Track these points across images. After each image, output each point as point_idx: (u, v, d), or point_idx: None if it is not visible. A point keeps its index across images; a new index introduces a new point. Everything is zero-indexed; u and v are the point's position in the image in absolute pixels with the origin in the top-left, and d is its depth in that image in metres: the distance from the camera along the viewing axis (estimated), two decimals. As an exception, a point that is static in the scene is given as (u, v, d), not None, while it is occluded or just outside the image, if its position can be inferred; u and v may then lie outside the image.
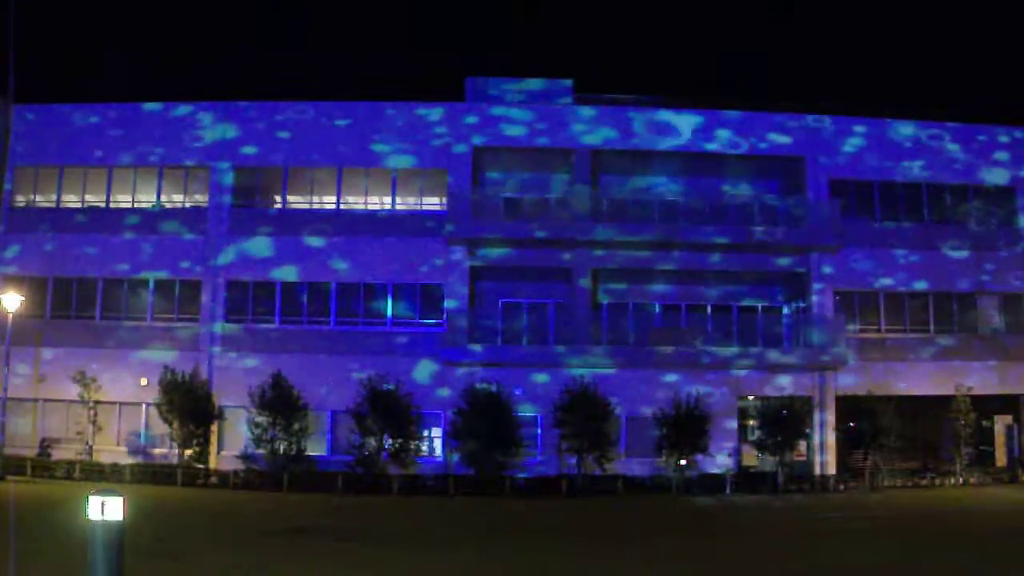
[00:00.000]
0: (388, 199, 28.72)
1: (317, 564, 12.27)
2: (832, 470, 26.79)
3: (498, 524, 18.41)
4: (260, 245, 27.91)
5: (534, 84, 29.51)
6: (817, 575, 12.13)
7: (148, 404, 26.50)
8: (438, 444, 26.81)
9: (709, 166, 29.05)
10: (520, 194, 28.58)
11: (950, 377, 27.24)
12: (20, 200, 29.22)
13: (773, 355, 26.91)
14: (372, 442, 25.09)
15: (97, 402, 26.25)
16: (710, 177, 29.30)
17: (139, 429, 27.01)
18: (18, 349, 25.51)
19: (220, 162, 28.33)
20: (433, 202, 28.95)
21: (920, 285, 28.50)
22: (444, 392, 26.18)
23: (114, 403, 26.83)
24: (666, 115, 28.86)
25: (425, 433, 26.49)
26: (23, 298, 25.45)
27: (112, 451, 26.28)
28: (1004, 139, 29.60)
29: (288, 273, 27.77)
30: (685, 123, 28.66)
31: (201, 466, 25.41)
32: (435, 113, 28.56)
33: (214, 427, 26.06)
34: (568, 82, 29.56)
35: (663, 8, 68.74)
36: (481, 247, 27.73)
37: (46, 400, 27.20)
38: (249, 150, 28.40)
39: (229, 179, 28.37)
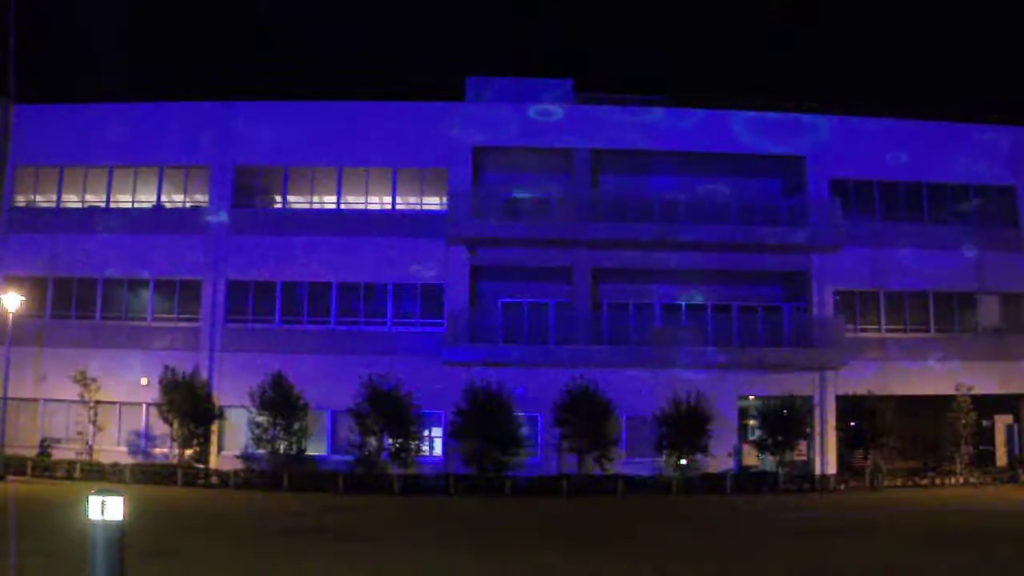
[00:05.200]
0: (388, 199, 28.73)
1: (317, 564, 12.27)
2: (832, 470, 26.82)
3: (498, 524, 18.41)
4: (260, 245, 27.91)
5: (534, 84, 29.50)
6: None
7: (148, 404, 26.53)
8: (438, 444, 26.82)
9: (709, 166, 29.04)
10: (520, 194, 28.57)
11: (950, 377, 27.23)
12: (20, 200, 29.23)
13: (773, 355, 26.90)
14: (372, 442, 25.12)
15: (97, 402, 26.26)
16: (710, 177, 29.28)
17: (139, 429, 27.02)
18: (18, 349, 25.51)
19: (220, 162, 28.33)
20: (433, 202, 28.94)
21: (920, 285, 28.49)
22: (444, 392, 26.12)
23: (114, 403, 26.84)
24: (666, 115, 28.87)
25: (425, 433, 26.49)
26: (23, 298, 25.49)
27: (112, 451, 26.30)
28: (1004, 139, 29.60)
29: (288, 273, 27.76)
30: (685, 123, 28.65)
31: (201, 466, 25.42)
32: (435, 113, 28.53)
33: (214, 427, 26.08)
34: (568, 82, 29.57)
35: (664, 7, 68.75)
36: (481, 247, 27.73)
37: (46, 400, 27.22)
38: (249, 150, 28.37)
39: (229, 179, 28.37)
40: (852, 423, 26.90)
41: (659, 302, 28.80)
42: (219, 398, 26.43)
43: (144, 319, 28.06)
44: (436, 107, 28.68)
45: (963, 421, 26.60)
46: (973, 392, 26.95)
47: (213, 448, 26.24)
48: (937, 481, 26.10)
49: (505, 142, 28.42)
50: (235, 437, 26.60)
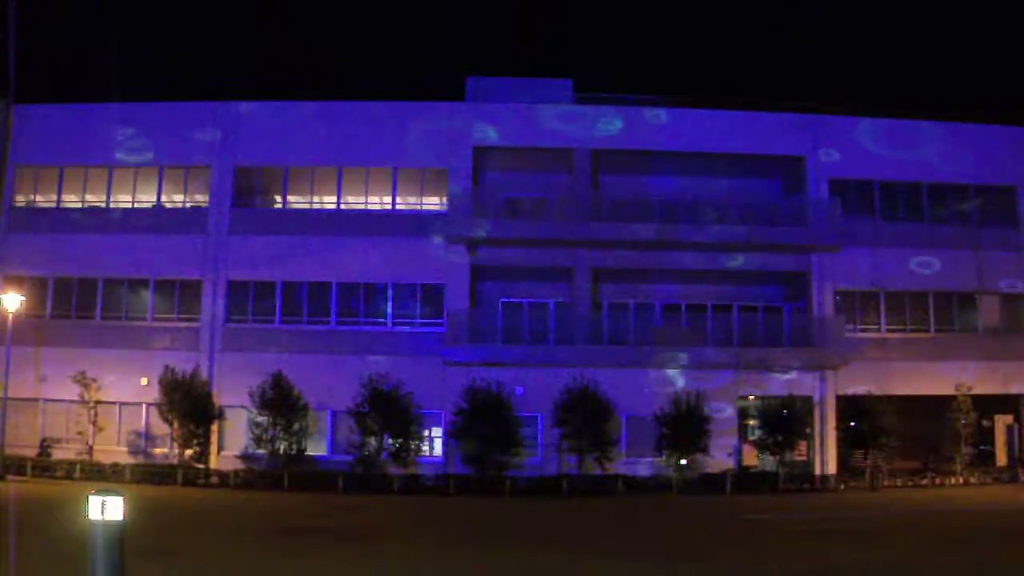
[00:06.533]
0: (388, 199, 28.73)
1: (318, 564, 12.27)
2: (832, 470, 26.82)
3: (498, 524, 18.41)
4: (260, 245, 27.90)
5: (534, 84, 29.49)
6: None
7: (148, 404, 26.53)
8: (438, 444, 26.82)
9: (709, 166, 29.03)
10: (520, 194, 28.57)
11: (950, 377, 27.23)
12: (20, 200, 29.23)
13: (773, 355, 26.90)
14: (372, 442, 25.13)
15: (97, 402, 26.26)
16: (710, 177, 29.28)
17: (139, 429, 27.02)
18: (18, 349, 25.50)
19: (220, 162, 28.33)
20: (433, 202, 28.94)
21: (920, 285, 28.50)
22: (444, 392, 26.13)
23: (114, 403, 26.84)
24: (666, 115, 28.86)
25: (425, 433, 26.50)
26: (23, 298, 25.48)
27: (112, 451, 26.29)
28: (1004, 139, 29.58)
29: (288, 273, 27.76)
30: (685, 123, 28.65)
31: (201, 466, 25.41)
32: (435, 113, 28.54)
33: (214, 427, 26.07)
34: (568, 82, 29.57)
35: (663, 8, 68.75)
36: (481, 247, 27.73)
37: (46, 400, 27.22)
38: (249, 150, 28.37)
39: (229, 179, 28.37)
40: (852, 423, 26.90)
41: (659, 302, 28.80)
42: (219, 398, 26.42)
43: (144, 319, 28.05)
44: (436, 107, 28.69)
45: (963, 421, 26.61)
46: (973, 392, 26.95)
47: (213, 448, 26.22)
48: (937, 481, 26.09)
49: (505, 142, 28.42)
50: (235, 437, 26.60)
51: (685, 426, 25.14)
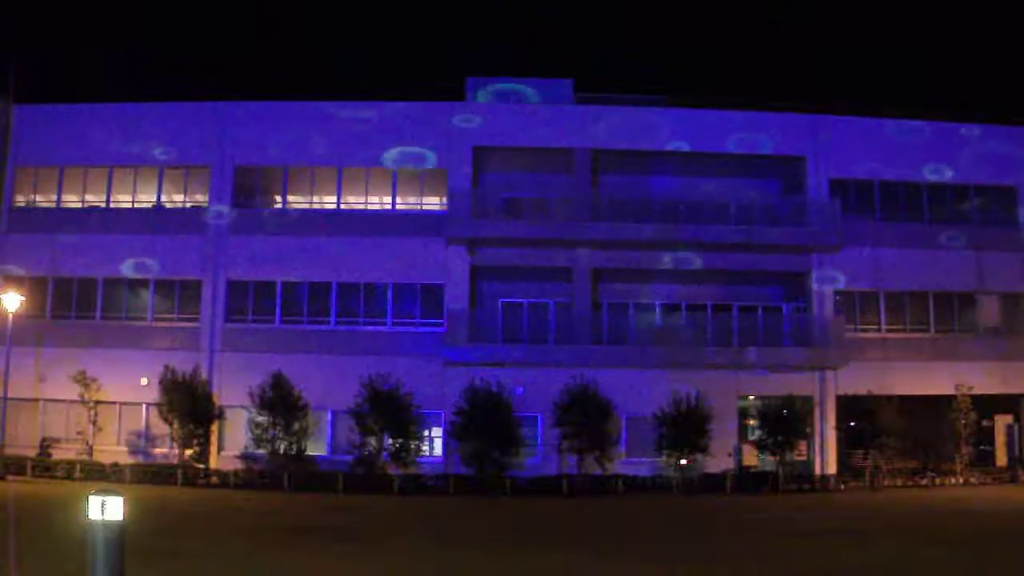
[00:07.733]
0: (388, 199, 28.72)
1: (317, 563, 12.27)
2: (832, 470, 26.83)
3: (497, 524, 18.41)
4: (260, 245, 27.90)
5: (534, 84, 29.53)
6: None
7: (148, 404, 26.53)
8: (438, 444, 26.82)
9: (709, 166, 29.03)
10: (520, 194, 28.56)
11: (950, 377, 27.22)
12: (20, 200, 29.23)
13: (773, 355, 26.89)
14: (372, 442, 25.13)
15: (97, 402, 26.26)
16: (710, 177, 29.26)
17: (139, 429, 27.02)
18: (18, 349, 25.48)
19: (220, 162, 28.33)
20: (433, 202, 28.94)
21: (920, 285, 28.49)
22: (444, 392, 26.12)
23: (114, 403, 26.84)
24: (666, 115, 28.86)
25: (425, 433, 26.50)
26: (23, 298, 25.47)
27: (112, 451, 26.29)
28: (1004, 139, 29.58)
29: (288, 273, 27.76)
30: (685, 123, 28.64)
31: (201, 466, 25.43)
32: (435, 113, 28.53)
33: (214, 427, 26.07)
34: (568, 82, 29.58)
35: (663, 8, 68.71)
36: (481, 247, 27.73)
37: (46, 400, 27.21)
38: (249, 150, 28.37)
39: (229, 179, 28.37)
40: (852, 423, 26.90)
41: (659, 302, 28.79)
42: (219, 398, 26.42)
43: (144, 319, 28.06)
44: (436, 107, 28.67)
45: (963, 421, 26.62)
46: (973, 392, 26.95)
47: (213, 448, 26.23)
48: (937, 481, 26.08)
49: (505, 142, 28.41)
50: (235, 437, 26.60)
51: (685, 426, 25.13)
